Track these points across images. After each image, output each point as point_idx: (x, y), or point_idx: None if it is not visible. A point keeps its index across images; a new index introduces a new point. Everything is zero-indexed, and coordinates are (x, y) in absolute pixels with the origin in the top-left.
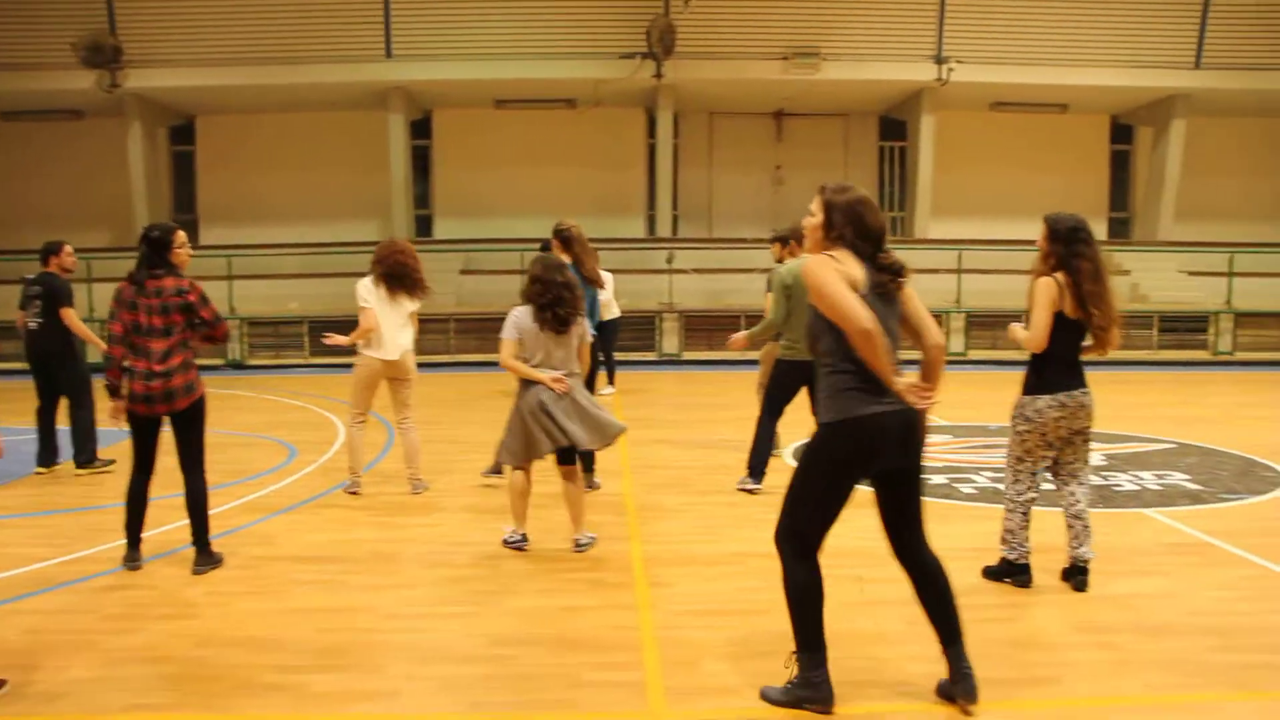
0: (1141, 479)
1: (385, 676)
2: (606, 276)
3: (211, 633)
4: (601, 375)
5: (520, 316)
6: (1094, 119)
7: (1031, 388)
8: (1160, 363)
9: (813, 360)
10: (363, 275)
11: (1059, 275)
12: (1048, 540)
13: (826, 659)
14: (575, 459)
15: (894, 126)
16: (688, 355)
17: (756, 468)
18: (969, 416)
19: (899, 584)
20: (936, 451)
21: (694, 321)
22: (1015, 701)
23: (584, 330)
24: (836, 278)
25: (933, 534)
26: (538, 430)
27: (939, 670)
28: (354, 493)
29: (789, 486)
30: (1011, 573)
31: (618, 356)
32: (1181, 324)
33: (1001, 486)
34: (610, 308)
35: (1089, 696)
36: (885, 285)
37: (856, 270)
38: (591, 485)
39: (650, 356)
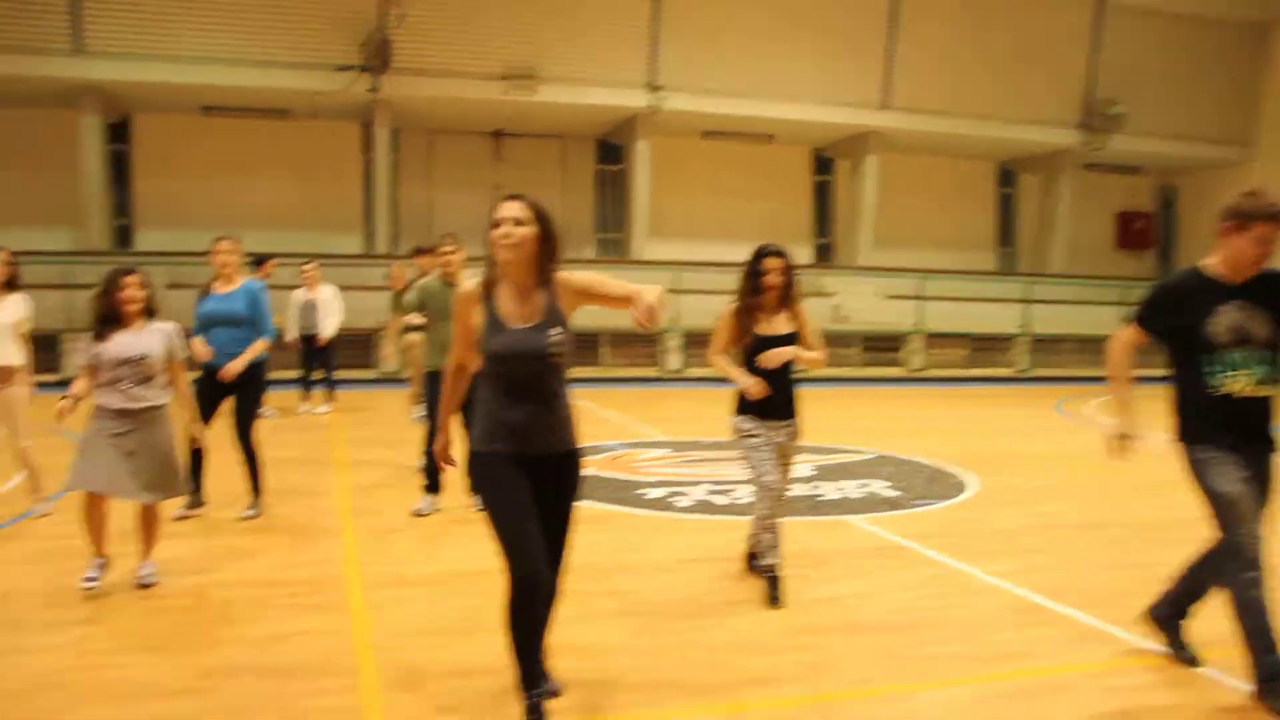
0: (844, 488)
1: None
2: (328, 290)
3: None
4: (317, 393)
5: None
6: (797, 150)
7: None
8: (862, 379)
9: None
10: (52, 288)
11: None
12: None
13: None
14: None
15: (611, 150)
16: (410, 374)
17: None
18: (687, 431)
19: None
20: (656, 465)
21: None
22: (734, 703)
23: None
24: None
25: (650, 546)
26: None
27: (659, 678)
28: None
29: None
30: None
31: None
32: (880, 343)
33: (719, 500)
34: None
35: (800, 695)
36: None
37: None
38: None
39: (370, 375)
